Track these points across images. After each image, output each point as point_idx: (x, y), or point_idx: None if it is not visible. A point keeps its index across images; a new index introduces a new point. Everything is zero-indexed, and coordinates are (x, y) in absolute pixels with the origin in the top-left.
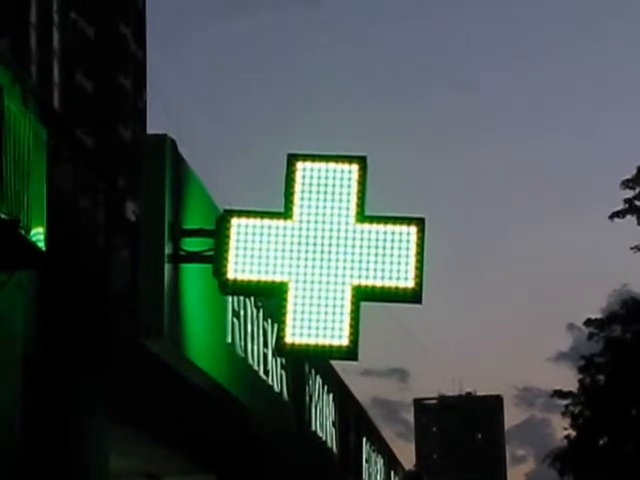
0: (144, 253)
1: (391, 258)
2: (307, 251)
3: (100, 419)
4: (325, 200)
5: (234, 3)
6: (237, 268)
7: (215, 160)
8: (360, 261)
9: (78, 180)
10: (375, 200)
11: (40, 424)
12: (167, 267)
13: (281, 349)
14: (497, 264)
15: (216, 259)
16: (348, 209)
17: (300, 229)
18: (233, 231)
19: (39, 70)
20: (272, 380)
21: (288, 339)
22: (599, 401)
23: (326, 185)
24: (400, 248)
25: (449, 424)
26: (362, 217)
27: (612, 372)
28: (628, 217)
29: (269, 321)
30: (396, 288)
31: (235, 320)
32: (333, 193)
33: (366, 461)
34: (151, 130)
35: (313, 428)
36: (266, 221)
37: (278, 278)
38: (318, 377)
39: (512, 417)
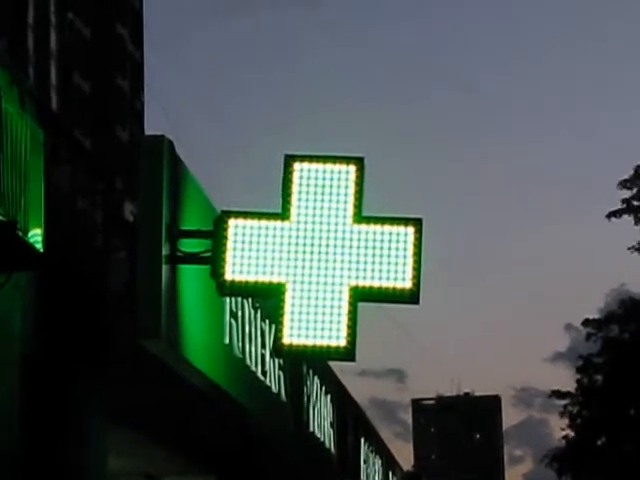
0: (142, 254)
1: (389, 259)
2: (305, 252)
3: (98, 420)
4: (322, 201)
5: (233, 3)
6: (235, 269)
7: (213, 161)
8: (358, 262)
9: (76, 181)
10: (373, 201)
11: (38, 425)
12: (165, 268)
13: (279, 350)
14: (495, 265)
15: (214, 260)
16: (346, 210)
17: (297, 230)
18: (230, 232)
19: (37, 71)
20: (270, 381)
21: (286, 340)
22: (597, 401)
23: (323, 186)
24: (398, 249)
25: (447, 424)
26: (359, 218)
27: (610, 372)
28: (625, 217)
29: (267, 322)
30: (394, 289)
31: (233, 321)
32: (330, 194)
33: (364, 462)
34: (149, 131)
35: (311, 429)
36: (263, 222)
37: (276, 279)
38: (316, 378)
39: (510, 417)
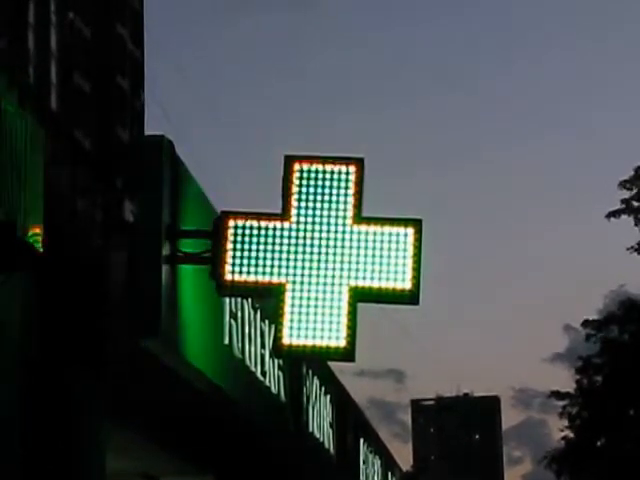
0: (141, 254)
1: (388, 259)
2: (304, 252)
3: (97, 420)
4: (322, 201)
5: (234, 3)
6: (234, 269)
7: (213, 161)
8: (357, 262)
9: (76, 181)
10: (373, 201)
11: (37, 425)
12: (164, 268)
13: (278, 350)
14: (495, 265)
15: (213, 260)
16: (345, 210)
17: (297, 230)
18: (230, 232)
19: (36, 71)
20: (270, 381)
21: (285, 340)
22: (596, 402)
23: (323, 186)
24: (397, 249)
25: (447, 425)
26: (359, 218)
27: (610, 373)
28: (624, 217)
29: (266, 322)
30: (393, 289)
31: (232, 321)
32: (330, 194)
33: (363, 462)
34: (149, 131)
35: (310, 429)
36: (263, 222)
37: (275, 279)
38: (315, 378)
39: (509, 418)
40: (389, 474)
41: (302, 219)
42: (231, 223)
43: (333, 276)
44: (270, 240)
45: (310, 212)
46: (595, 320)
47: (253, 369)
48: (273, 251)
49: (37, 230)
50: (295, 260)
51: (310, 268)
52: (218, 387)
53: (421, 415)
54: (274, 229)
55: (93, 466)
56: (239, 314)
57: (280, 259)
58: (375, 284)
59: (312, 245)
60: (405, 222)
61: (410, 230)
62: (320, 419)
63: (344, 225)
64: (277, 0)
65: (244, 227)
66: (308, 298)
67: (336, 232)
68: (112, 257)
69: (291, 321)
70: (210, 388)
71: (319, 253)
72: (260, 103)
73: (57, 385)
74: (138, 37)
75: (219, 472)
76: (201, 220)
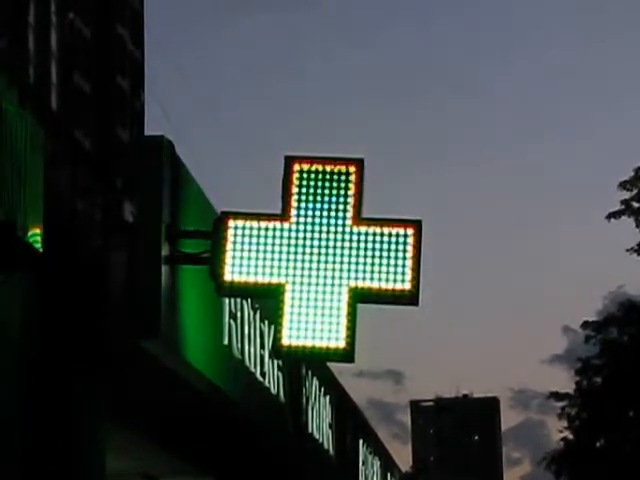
0: (141, 254)
1: (388, 260)
2: (304, 253)
3: (97, 420)
4: (322, 202)
5: (234, 3)
6: (234, 270)
7: (212, 161)
8: (357, 263)
9: (76, 181)
10: (373, 202)
11: (37, 425)
12: (164, 268)
13: (278, 351)
14: (494, 266)
15: (213, 261)
16: (345, 211)
17: (297, 231)
18: (230, 233)
19: (37, 71)
20: (269, 382)
21: (285, 341)
22: (596, 403)
23: (323, 187)
24: (397, 250)
25: (446, 426)
26: (359, 219)
27: (609, 374)
28: (624, 218)
29: (266, 323)
30: (393, 290)
31: (232, 322)
32: (330, 195)
33: (363, 463)
34: (149, 131)
35: (310, 430)
36: (263, 223)
37: (275, 280)
38: (315, 379)
39: (508, 419)
40: (388, 475)
41: (302, 220)
42: (231, 223)
43: (333, 277)
44: (270, 241)
45: (310, 213)
46: (594, 321)
47: (252, 370)
48: (273, 252)
49: (37, 230)
50: (295, 261)
51: (310, 269)
52: (217, 387)
53: (420, 416)
54: (274, 230)
55: (93, 466)
56: (239, 314)
57: (280, 260)
58: (375, 285)
59: (312, 246)
60: (405, 223)
61: (410, 231)
62: (319, 420)
63: (344, 226)
64: (277, 0)
65: (244, 227)
66: (308, 299)
67: (336, 233)
68: (112, 257)
69: (291, 322)
70: (209, 388)
71: (319, 254)
72: (260, 103)
73: (57, 385)
74: (138, 37)
75: (219, 472)
76: (201, 220)
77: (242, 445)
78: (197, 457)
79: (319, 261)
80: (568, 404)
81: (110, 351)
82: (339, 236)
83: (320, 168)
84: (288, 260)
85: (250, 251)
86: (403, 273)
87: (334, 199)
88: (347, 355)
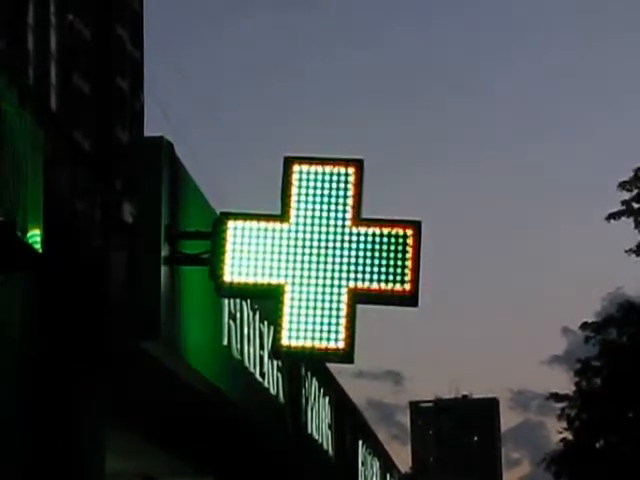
0: (141, 255)
1: (388, 261)
2: (303, 254)
3: (97, 420)
4: (322, 203)
5: (234, 3)
6: (233, 270)
7: (212, 162)
8: (357, 264)
9: (75, 182)
10: (372, 203)
11: (37, 425)
12: (163, 269)
13: (277, 352)
14: (494, 267)
15: (212, 261)
16: (345, 212)
17: (296, 232)
18: (229, 233)
19: (36, 72)
20: (268, 382)
21: (284, 342)
22: (595, 404)
23: (323, 188)
24: (397, 251)
25: (445, 427)
26: (359, 220)
27: (608, 375)
28: (623, 219)
29: (265, 323)
30: (392, 291)
31: (231, 322)
32: (330, 196)
33: (362, 464)
34: (148, 132)
35: (309, 431)
36: (262, 224)
37: (274, 281)
38: (314, 379)
39: (507, 420)
40: (388, 475)
41: (301, 220)
42: (230, 224)
43: (332, 277)
44: (269, 241)
45: (309, 213)
46: (594, 322)
47: (252, 370)
48: (272, 252)
49: (37, 230)
50: (294, 261)
51: (309, 269)
52: (217, 388)
53: (420, 417)
54: (273, 230)
55: (93, 466)
56: (238, 315)
57: (279, 260)
58: (374, 286)
59: (311, 246)
60: (404, 223)
61: (409, 231)
62: (319, 420)
63: (343, 226)
64: (277, 0)
65: (243, 228)
66: (307, 299)
67: (335, 233)
68: (112, 258)
69: (290, 322)
70: (209, 389)
71: (318, 254)
72: (260, 103)
73: (57, 385)
74: (138, 38)
75: (218, 473)
76: (200, 221)
77: (242, 445)
78: (197, 457)
79: (318, 262)
80: (568, 405)
81: (110, 351)
82: (338, 237)
83: (319, 169)
84: (288, 261)
85: (250, 252)
86: (403, 274)
87: (333, 200)
88: (346, 356)
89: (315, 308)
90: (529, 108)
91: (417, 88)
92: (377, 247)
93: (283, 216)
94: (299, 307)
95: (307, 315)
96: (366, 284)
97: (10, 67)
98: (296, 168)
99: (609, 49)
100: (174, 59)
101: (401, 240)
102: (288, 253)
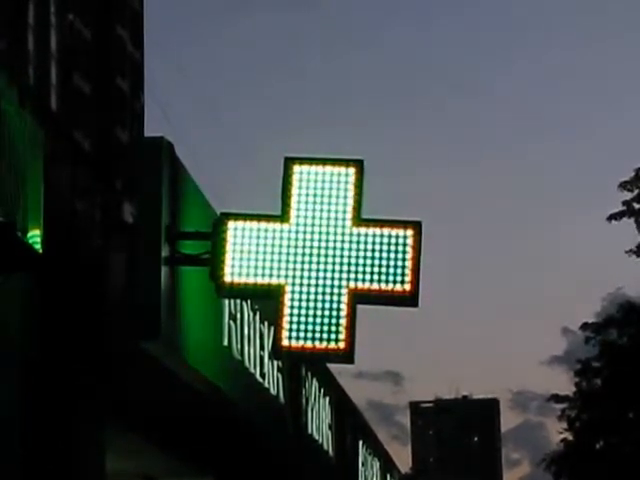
0: (141, 255)
1: (388, 261)
2: (304, 254)
3: (97, 420)
4: (322, 203)
5: (234, 3)
6: (234, 271)
7: (212, 162)
8: (357, 264)
9: (75, 182)
10: (372, 203)
11: (37, 425)
12: (164, 269)
13: (277, 352)
14: (494, 267)
15: (213, 262)
16: (345, 212)
17: (297, 232)
18: (230, 234)
19: (36, 72)
20: (269, 383)
21: (284, 342)
22: (596, 405)
23: (323, 188)
24: (397, 251)
25: (445, 427)
26: (359, 220)
27: (609, 376)
28: (624, 219)
29: (266, 324)
30: (393, 291)
31: (232, 323)
32: (330, 196)
33: (362, 464)
34: (149, 132)
35: (310, 431)
36: (263, 224)
37: (274, 281)
38: (314, 380)
39: (507, 420)
40: (388, 476)
41: (301, 221)
42: (231, 224)
43: (332, 278)
44: (269, 242)
45: (309, 214)
46: (594, 323)
47: (252, 370)
48: (272, 253)
49: (37, 231)
50: (294, 262)
51: (309, 270)
52: (217, 388)
53: (420, 417)
54: (274, 231)
55: (93, 466)
56: (238, 315)
57: (279, 261)
58: (374, 286)
59: (311, 247)
60: (404, 224)
61: (409, 232)
62: (319, 421)
63: (343, 227)
64: (277, 0)
65: (244, 229)
66: (307, 300)
67: (335, 234)
68: (112, 258)
69: (290, 323)
70: (209, 389)
71: (318, 255)
72: (260, 103)
73: (57, 385)
74: (138, 38)
75: (218, 473)
76: (201, 221)
77: (242, 446)
78: (197, 458)
79: (319, 262)
80: (568, 406)
81: (110, 351)
82: (339, 237)
83: (320, 169)
84: (288, 261)
85: (250, 252)
86: (403, 274)
87: (334, 200)
88: (347, 356)
89: (315, 308)
90: (529, 108)
91: (417, 88)
92: (377, 247)
93: (283, 216)
94: (299, 307)
95: (307, 315)
96: (366, 284)
97: (10, 67)
98: (296, 168)
99: (609, 49)
100: (174, 59)
101: (401, 240)
102: (288, 253)
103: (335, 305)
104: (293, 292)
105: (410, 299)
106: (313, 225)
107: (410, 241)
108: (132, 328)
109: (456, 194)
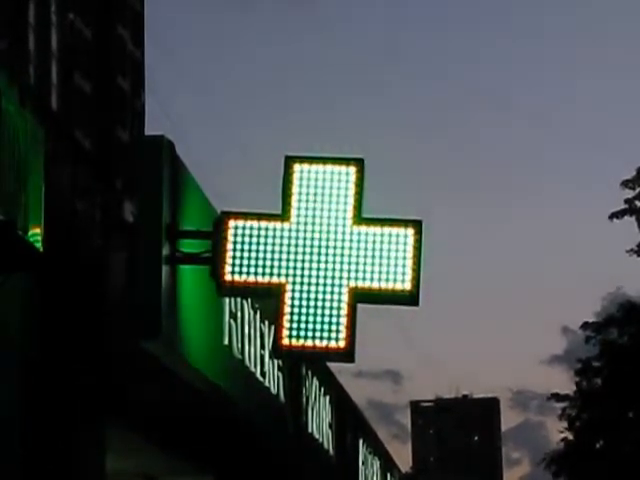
0: (141, 254)
1: (388, 260)
2: (304, 253)
3: (97, 420)
4: (322, 202)
5: (234, 3)
6: (234, 270)
7: (213, 161)
8: (357, 263)
9: (76, 181)
10: (373, 202)
11: (37, 425)
12: (164, 268)
13: (278, 351)
14: (493, 266)
15: (213, 261)
16: (345, 211)
17: (297, 231)
18: (230, 233)
19: (37, 71)
20: (269, 382)
21: (285, 341)
22: (596, 404)
23: (323, 187)
24: (397, 250)
25: (446, 426)
26: (359, 219)
27: (609, 375)
28: (626, 218)
29: (266, 323)
30: (393, 290)
31: (232, 322)
32: (330, 195)
33: (362, 463)
34: (149, 131)
35: (310, 430)
36: (263, 223)
37: (275, 280)
38: (315, 379)
39: (507, 420)
40: (388, 475)
41: (302, 220)
42: (231, 223)
43: (333, 277)
44: (270, 241)
45: (310, 213)
46: (594, 322)
47: (252, 369)
48: (273, 252)
49: (37, 230)
50: (295, 261)
51: (310, 269)
52: (217, 387)
53: (420, 416)
54: (274, 230)
55: (93, 466)
56: (239, 314)
57: (280, 260)
58: (375, 285)
59: (312, 246)
60: (405, 223)
61: (410, 231)
62: (319, 420)
63: (344, 226)
64: (277, 0)
65: (244, 227)
66: (308, 299)
67: (336, 233)
68: (112, 257)
69: (290, 322)
70: (209, 388)
71: (319, 254)
72: (260, 103)
73: (57, 385)
74: (139, 38)
75: (219, 472)
76: (201, 220)
77: (242, 445)
78: (197, 457)
79: (319, 261)
80: (568, 405)
81: (110, 351)
82: (339, 236)
83: (320, 168)
84: (288, 260)
85: (250, 251)
86: (403, 273)
87: (334, 199)
88: (347, 355)
89: (316, 307)
90: (529, 107)
91: (417, 88)
92: (378, 246)
93: (284, 215)
94: (300, 306)
95: (308, 314)
96: (367, 283)
97: (11, 66)
98: (297, 167)
99: (610, 48)
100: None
101: (402, 239)
102: (289, 252)
103: (335, 304)
104: (293, 291)
105: (410, 298)
106: (314, 224)
107: (411, 240)
108: (132, 327)
109: (455, 193)
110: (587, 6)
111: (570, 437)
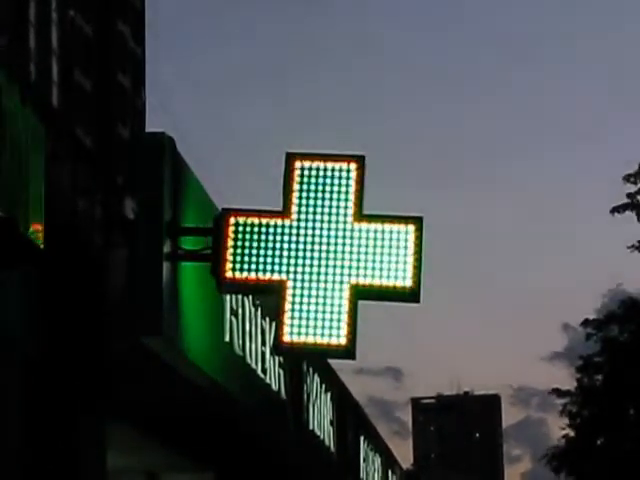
0: (142, 251)
1: (389, 257)
2: (305, 250)
3: (98, 419)
4: (323, 199)
5: (234, 3)
6: (235, 267)
7: (213, 158)
8: (358, 260)
9: (76, 178)
10: (373, 199)
11: (38, 423)
12: (165, 265)
13: (279, 348)
14: (494, 264)
15: (214, 258)
16: (346, 208)
17: (298, 228)
18: (231, 229)
19: (38, 68)
20: (270, 379)
21: (286, 338)
22: (597, 401)
23: (324, 184)
24: (398, 247)
25: (447, 423)
26: (360, 216)
27: (610, 372)
28: (627, 213)
29: (267, 320)
30: (394, 287)
31: (233, 319)
32: (331, 192)
33: (364, 460)
34: (150, 128)
35: (311, 427)
36: (264, 220)
37: (276, 277)
38: (316, 376)
39: (508, 416)
40: (389, 472)
41: (303, 217)
42: (232, 220)
43: (334, 274)
44: (271, 237)
45: (311, 210)
46: (595, 319)
47: (254, 366)
48: (274, 248)
49: (38, 227)
50: (296, 258)
51: (311, 266)
52: (218, 384)
53: (421, 413)
54: (275, 226)
55: (94, 463)
56: (240, 311)
57: (281, 257)
58: (376, 282)
59: (313, 243)
60: (406, 220)
61: (411, 228)
62: (320, 417)
63: (345, 223)
64: (276, 0)
65: (245, 224)
66: (309, 296)
67: (337, 230)
68: (113, 254)
69: (292, 319)
70: (210, 385)
71: (320, 251)
72: (260, 102)
73: (57, 384)
74: (139, 35)
75: (219, 469)
76: (202, 217)
77: (243, 442)
78: (198, 454)
79: (320, 258)
80: (569, 401)
81: (111, 348)
82: (340, 233)
83: (321, 165)
84: (289, 257)
85: (251, 248)
86: (404, 270)
87: (335, 196)
88: (348, 352)
89: (317, 304)
90: (529, 107)
91: (417, 88)
92: (379, 243)
93: (285, 212)
94: (301, 303)
95: (309, 311)
96: (368, 280)
97: (11, 63)
98: (298, 164)
99: (609, 48)
100: (175, 56)
101: (403, 236)
102: (290, 249)
103: (336, 301)
104: (294, 288)
105: (411, 295)
106: (314, 221)
107: (412, 237)
108: (133, 324)
109: (455, 192)
110: (587, 6)
111: (571, 434)
